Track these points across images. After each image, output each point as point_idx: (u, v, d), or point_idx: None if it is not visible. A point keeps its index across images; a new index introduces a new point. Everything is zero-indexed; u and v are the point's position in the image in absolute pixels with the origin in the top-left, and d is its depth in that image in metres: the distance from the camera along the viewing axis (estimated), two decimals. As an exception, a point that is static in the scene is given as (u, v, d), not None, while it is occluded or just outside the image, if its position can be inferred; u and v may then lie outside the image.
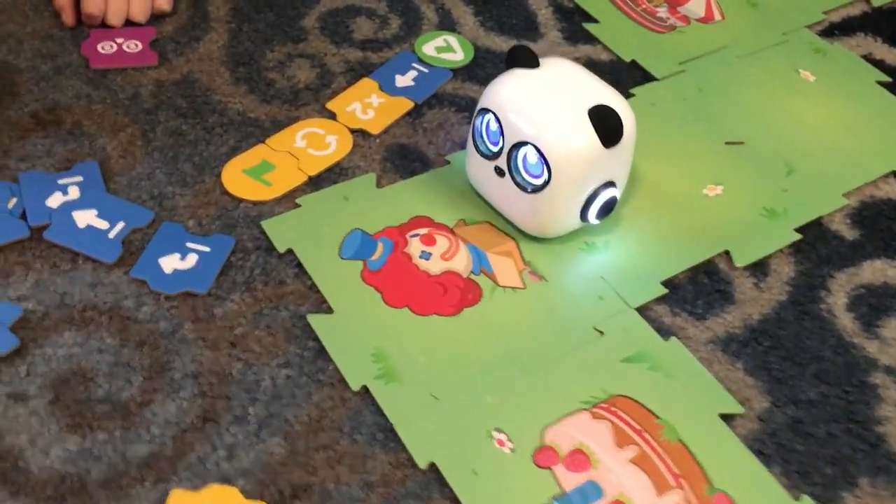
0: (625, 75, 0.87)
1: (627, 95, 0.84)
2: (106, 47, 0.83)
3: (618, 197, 0.69)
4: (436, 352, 0.63)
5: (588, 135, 0.65)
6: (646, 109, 0.83)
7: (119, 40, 0.84)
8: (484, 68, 0.86)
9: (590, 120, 0.65)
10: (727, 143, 0.80)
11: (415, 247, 0.70)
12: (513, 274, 0.68)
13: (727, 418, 0.61)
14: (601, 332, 0.65)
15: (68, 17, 0.85)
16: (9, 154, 0.74)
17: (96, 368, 0.61)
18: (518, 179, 0.68)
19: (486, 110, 0.69)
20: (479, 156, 0.70)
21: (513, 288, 0.68)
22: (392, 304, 0.66)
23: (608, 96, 0.68)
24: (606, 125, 0.65)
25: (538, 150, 0.65)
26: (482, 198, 0.72)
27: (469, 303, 0.66)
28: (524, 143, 0.66)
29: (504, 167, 0.68)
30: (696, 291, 0.69)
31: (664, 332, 0.66)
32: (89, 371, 0.61)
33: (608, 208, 0.69)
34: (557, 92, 0.67)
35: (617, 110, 0.65)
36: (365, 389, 0.61)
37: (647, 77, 0.87)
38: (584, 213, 0.68)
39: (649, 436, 0.59)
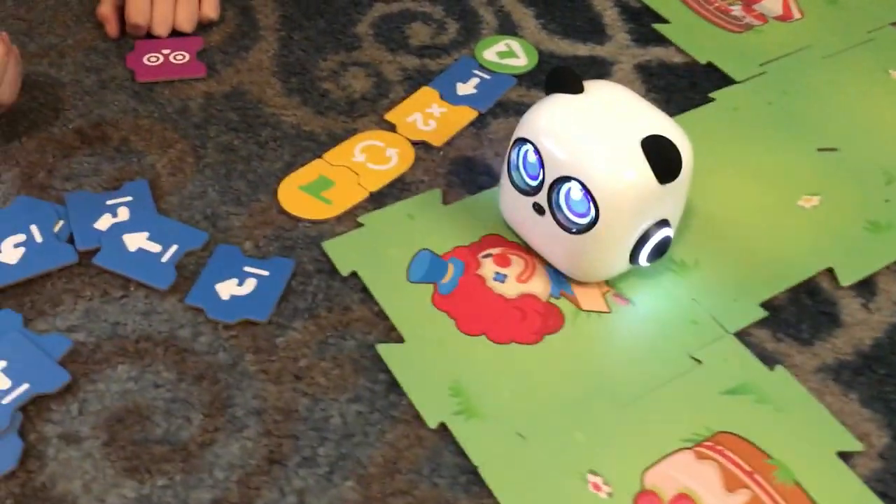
0: (701, 78, 0.81)
1: (706, 99, 0.79)
2: (152, 59, 0.79)
3: (672, 237, 0.62)
4: (518, 384, 0.58)
5: (640, 169, 0.58)
6: (728, 114, 0.77)
7: (165, 51, 0.80)
8: (550, 74, 0.81)
9: (643, 152, 0.58)
10: (819, 149, 0.74)
11: (488, 268, 0.64)
12: (596, 297, 0.63)
13: (845, 457, 0.55)
14: (698, 361, 0.59)
15: (112, 28, 0.81)
16: (53, 173, 0.70)
17: (153, 406, 0.56)
18: (560, 218, 0.61)
19: (523, 140, 0.62)
20: (514, 191, 0.63)
21: (597, 312, 0.62)
22: (467, 331, 0.61)
23: (663, 125, 0.60)
24: (662, 158, 0.58)
25: (583, 186, 0.58)
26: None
27: (550, 329, 0.61)
28: (567, 178, 0.59)
29: (544, 204, 0.61)
30: (799, 314, 0.63)
31: (768, 359, 0.60)
32: (146, 408, 0.56)
33: (661, 250, 0.62)
34: (605, 120, 0.60)
35: (674, 141, 0.58)
36: (443, 426, 0.56)
37: (725, 80, 0.81)
38: (634, 256, 0.61)
39: (761, 478, 0.53)
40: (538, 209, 0.62)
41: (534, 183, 0.62)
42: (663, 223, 0.60)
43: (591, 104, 0.61)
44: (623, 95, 0.62)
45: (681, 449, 0.55)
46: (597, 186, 0.58)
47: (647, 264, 0.62)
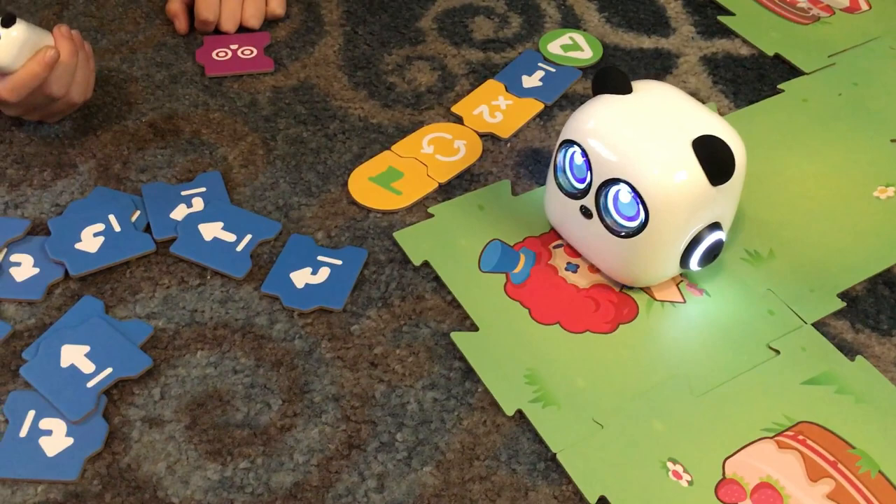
0: (769, 70, 0.80)
1: (775, 91, 0.78)
2: (221, 54, 0.80)
3: (724, 240, 0.60)
4: (594, 372, 0.58)
5: (692, 170, 0.56)
6: (798, 105, 0.76)
7: (234, 47, 0.81)
8: (615, 66, 0.81)
9: (694, 153, 0.56)
10: (893, 140, 0.73)
11: (560, 258, 0.64)
12: (670, 287, 0.62)
13: (931, 448, 0.54)
14: (776, 351, 0.59)
15: (181, 25, 0.83)
16: (129, 165, 0.71)
17: (233, 390, 0.57)
18: (608, 222, 0.59)
19: (570, 142, 0.60)
20: (561, 194, 0.62)
21: (671, 302, 0.62)
22: (541, 320, 0.61)
23: (714, 125, 0.58)
24: (714, 159, 0.56)
25: (633, 189, 0.57)
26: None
27: (625, 319, 0.61)
28: (616, 181, 0.58)
29: (591, 208, 0.60)
30: (877, 304, 0.62)
31: (847, 350, 0.59)
32: (226, 393, 0.57)
33: (713, 254, 0.60)
34: (654, 120, 0.58)
35: (726, 141, 0.56)
36: (520, 414, 0.56)
37: (793, 71, 0.80)
38: (684, 260, 0.60)
39: (845, 468, 0.53)
40: (585, 212, 0.60)
41: (581, 186, 0.61)
42: (715, 226, 0.59)
43: (639, 105, 0.60)
44: (672, 95, 0.61)
45: (762, 438, 0.54)
46: (647, 189, 0.56)
47: (699, 268, 0.61)
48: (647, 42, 0.83)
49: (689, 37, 0.84)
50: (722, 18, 0.85)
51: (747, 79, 0.80)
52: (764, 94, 0.78)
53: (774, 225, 0.66)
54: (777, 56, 0.81)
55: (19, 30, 0.65)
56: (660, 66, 0.81)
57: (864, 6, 0.87)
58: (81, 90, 0.70)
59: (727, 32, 0.84)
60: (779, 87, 0.78)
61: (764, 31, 0.84)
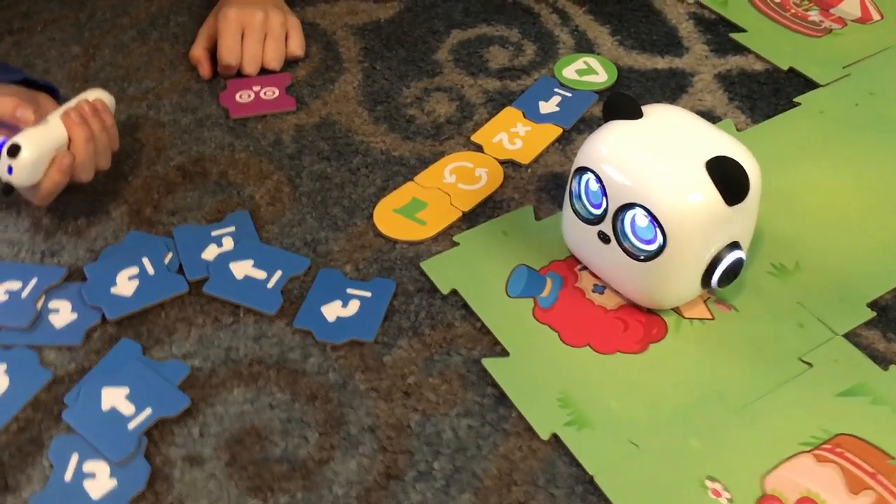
0: (784, 84, 0.81)
1: (791, 104, 0.78)
2: (244, 96, 0.82)
3: (744, 258, 0.60)
4: (627, 393, 0.58)
5: (707, 192, 0.56)
6: (815, 118, 0.76)
7: (256, 88, 0.83)
8: (630, 88, 0.82)
9: (708, 174, 0.56)
10: (913, 148, 0.73)
11: (586, 280, 0.65)
12: (698, 304, 0.63)
13: (972, 456, 0.54)
14: (809, 364, 0.59)
15: (205, 70, 0.85)
16: (159, 209, 0.73)
17: (270, 426, 0.58)
18: (626, 246, 0.60)
19: (584, 169, 0.61)
20: (578, 220, 0.62)
21: (700, 320, 0.62)
22: (571, 343, 0.61)
23: (727, 145, 0.59)
24: (729, 179, 0.56)
25: (648, 213, 0.57)
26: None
27: (654, 338, 0.61)
28: (632, 206, 0.58)
29: (609, 233, 0.60)
30: (908, 313, 0.62)
31: (880, 360, 0.59)
32: (263, 429, 0.58)
33: (734, 273, 0.60)
34: (667, 143, 0.59)
35: (739, 161, 0.57)
36: (555, 438, 0.56)
37: (808, 84, 0.81)
38: (705, 280, 0.60)
39: (885, 479, 0.52)
40: (603, 238, 0.61)
41: (597, 212, 0.61)
42: (734, 245, 0.59)
43: (651, 129, 0.60)
44: (683, 118, 0.61)
45: (800, 452, 0.54)
46: (662, 212, 0.57)
47: (719, 288, 0.61)
48: (661, 62, 0.84)
49: (703, 55, 0.85)
50: (734, 35, 0.86)
51: (763, 94, 0.80)
52: (781, 108, 0.78)
53: (799, 238, 0.66)
54: (791, 70, 0.82)
55: (28, 150, 0.65)
56: (675, 86, 0.82)
57: (876, 16, 0.87)
58: (105, 161, 0.71)
59: (740, 49, 0.85)
60: (795, 100, 0.79)
61: (777, 45, 0.84)
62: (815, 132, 0.75)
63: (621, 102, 0.61)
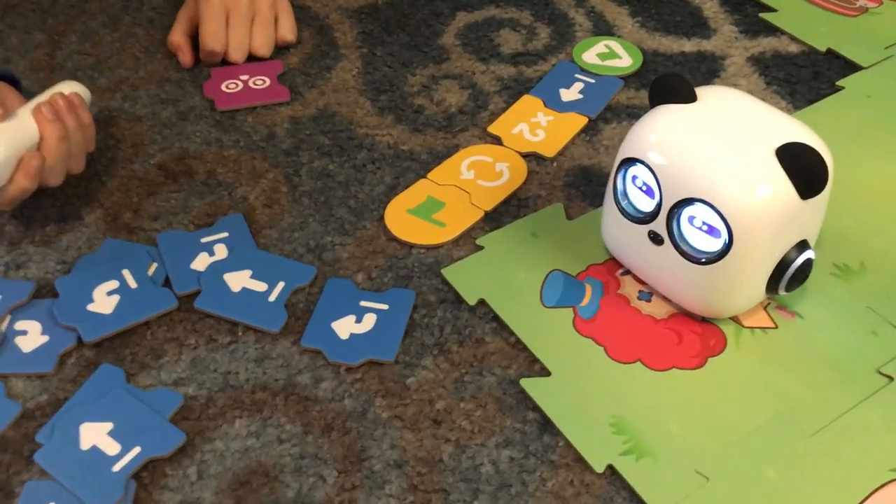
0: (823, 66, 0.75)
1: (834, 88, 0.72)
2: (231, 86, 0.74)
3: (814, 259, 0.54)
4: (688, 415, 0.51)
5: (779, 184, 0.50)
6: (862, 102, 0.70)
7: (244, 77, 0.75)
8: (658, 73, 0.75)
9: (780, 164, 0.50)
10: (973, 133, 0.68)
11: (630, 286, 0.58)
12: (758, 311, 0.56)
13: None
14: (889, 378, 0.52)
15: (185, 57, 0.76)
16: (139, 213, 0.65)
17: (280, 463, 0.50)
18: (684, 248, 0.53)
19: (632, 161, 0.54)
20: (623, 219, 0.55)
21: (762, 329, 0.55)
22: (620, 358, 0.54)
23: (796, 130, 0.52)
24: (805, 169, 0.49)
25: (713, 209, 0.50)
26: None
27: (713, 351, 0.54)
28: (692, 201, 0.51)
29: (663, 233, 0.53)
30: None
31: (968, 370, 0.53)
32: (272, 467, 0.50)
33: (803, 275, 0.54)
34: (728, 130, 0.52)
35: (814, 147, 0.50)
36: (611, 470, 0.49)
37: (849, 66, 0.74)
38: (772, 285, 0.53)
39: None
40: (655, 238, 0.54)
41: (648, 209, 0.54)
42: (803, 245, 0.53)
43: (708, 113, 0.53)
44: (743, 100, 0.55)
45: (892, 481, 0.47)
46: (729, 208, 0.50)
47: (786, 293, 0.54)
48: (688, 45, 0.77)
49: (733, 37, 0.78)
50: (764, 15, 0.80)
51: (802, 77, 0.74)
52: (823, 93, 0.72)
53: (860, 234, 0.60)
54: (830, 51, 0.76)
55: None
56: (706, 70, 0.75)
57: (913, -7, 0.82)
58: (77, 164, 0.63)
59: (772, 30, 0.79)
60: (837, 83, 0.72)
61: (811, 25, 0.78)
62: (864, 118, 0.69)
63: (672, 84, 0.54)
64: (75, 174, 0.63)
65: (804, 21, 0.79)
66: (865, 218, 0.61)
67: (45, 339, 0.56)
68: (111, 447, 0.50)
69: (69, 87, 0.64)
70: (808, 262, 0.53)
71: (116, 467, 0.49)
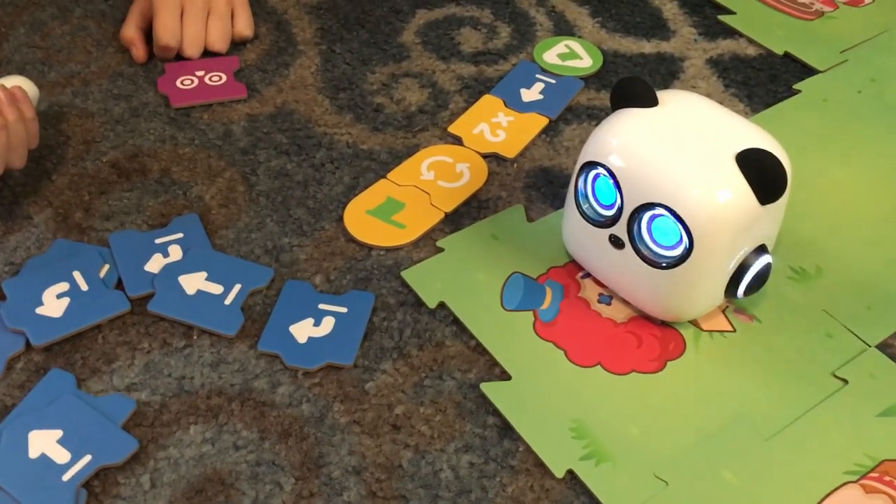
0: (781, 70, 0.75)
1: (791, 92, 0.73)
2: (186, 82, 0.72)
3: (772, 263, 0.54)
4: (647, 419, 0.51)
5: (736, 189, 0.50)
6: (818, 106, 0.71)
7: (199, 73, 0.73)
8: (618, 74, 0.75)
9: (740, 169, 0.50)
10: (924, 138, 0.69)
11: (590, 290, 0.58)
12: (716, 315, 0.56)
13: None
14: (844, 381, 0.53)
15: (139, 52, 0.74)
16: (91, 212, 0.63)
17: (236, 471, 0.49)
18: (645, 252, 0.53)
19: (593, 164, 0.54)
20: (584, 222, 0.55)
21: (720, 332, 0.55)
22: (580, 362, 0.54)
23: (756, 137, 0.52)
24: (765, 175, 0.50)
25: (672, 213, 0.50)
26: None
27: (672, 355, 0.54)
28: (652, 205, 0.51)
29: (623, 237, 0.53)
30: (941, 320, 0.57)
31: (919, 373, 0.54)
32: (228, 475, 0.49)
33: (762, 280, 0.54)
34: (689, 135, 0.52)
35: (773, 153, 0.50)
36: (571, 474, 0.49)
37: (805, 70, 0.75)
38: (730, 288, 0.54)
39: (942, 511, 0.47)
40: (616, 242, 0.54)
41: (609, 213, 0.54)
42: (762, 249, 0.53)
43: (669, 118, 0.53)
44: (703, 105, 0.55)
45: (846, 483, 0.48)
46: (690, 212, 0.50)
47: (744, 297, 0.54)
48: (648, 46, 0.78)
49: (692, 39, 0.79)
50: (722, 18, 0.80)
51: (759, 80, 0.74)
52: (780, 96, 0.73)
53: (817, 238, 0.61)
54: (787, 54, 0.76)
55: None
56: (665, 72, 0.75)
57: (867, -2, 0.83)
58: (18, 159, 0.61)
59: (730, 32, 0.79)
60: (794, 87, 0.73)
61: (768, 28, 0.79)
62: (820, 122, 0.70)
63: (634, 87, 0.53)
64: (16, 169, 0.61)
65: (762, 24, 0.79)
66: (822, 222, 0.62)
67: (-9, 343, 0.54)
68: (61, 455, 0.49)
69: (13, 81, 0.62)
70: (767, 267, 0.54)
71: (66, 476, 0.48)
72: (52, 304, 0.56)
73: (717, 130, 0.52)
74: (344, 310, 0.57)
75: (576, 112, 0.71)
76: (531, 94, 0.72)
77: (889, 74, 0.74)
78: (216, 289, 0.57)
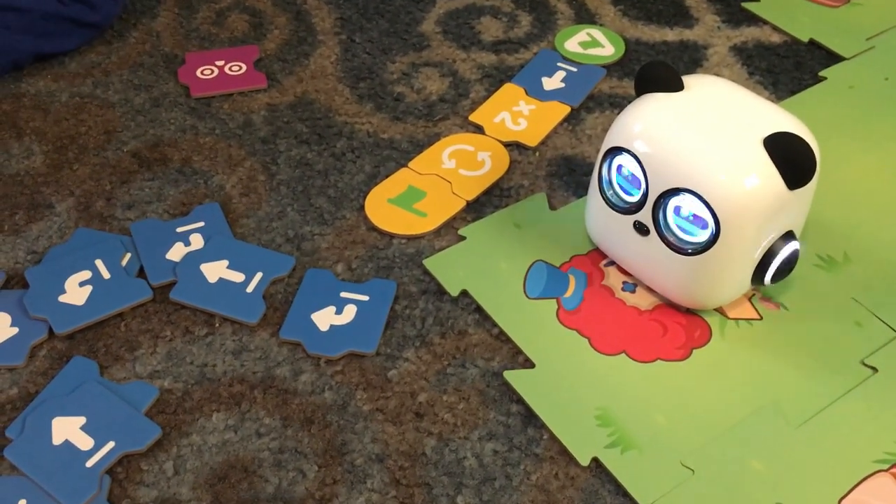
0: (806, 57, 0.74)
1: (816, 79, 0.72)
2: (206, 72, 0.72)
3: (799, 250, 0.53)
4: (673, 407, 0.50)
5: (764, 174, 0.49)
6: (844, 93, 0.70)
7: (220, 63, 0.73)
8: (640, 62, 0.74)
9: (768, 154, 0.49)
10: (954, 125, 0.68)
11: (614, 277, 0.57)
12: (742, 303, 0.56)
13: None
14: (873, 369, 0.52)
15: None
16: (112, 202, 0.63)
17: (259, 458, 0.49)
18: (670, 238, 0.52)
19: (617, 150, 0.53)
20: (608, 209, 0.55)
21: (747, 320, 0.55)
22: (604, 350, 0.53)
23: (783, 121, 0.51)
24: (793, 159, 0.49)
25: (700, 199, 0.49)
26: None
27: (698, 343, 0.54)
28: (678, 191, 0.50)
29: (648, 223, 0.52)
30: (973, 308, 0.56)
31: (950, 362, 0.53)
32: (251, 462, 0.49)
33: (789, 266, 0.53)
34: (715, 120, 0.51)
35: (802, 137, 0.50)
36: (596, 462, 0.49)
37: (831, 57, 0.74)
38: (757, 275, 0.53)
39: (976, 500, 0.46)
40: (640, 229, 0.53)
41: (634, 199, 0.53)
42: (789, 235, 0.52)
43: (694, 102, 0.52)
44: (730, 90, 0.54)
45: (877, 472, 0.47)
46: (717, 197, 0.49)
47: (772, 284, 0.54)
48: (671, 34, 0.77)
49: (715, 26, 0.78)
50: (746, 5, 0.79)
51: (784, 67, 0.73)
52: (805, 84, 0.72)
53: (844, 225, 0.60)
54: (812, 42, 0.75)
55: None
56: (688, 59, 0.74)
57: (893, -15, 0.82)
58: None
59: (754, 19, 0.78)
60: (820, 74, 0.72)
61: (793, 15, 0.78)
62: (846, 109, 0.69)
63: (659, 72, 0.53)
64: None
65: (786, 11, 0.78)
66: (849, 209, 0.61)
67: (15, 330, 0.54)
68: (84, 442, 0.49)
69: None
70: (795, 253, 0.53)
71: (90, 462, 0.48)
72: (75, 292, 0.56)
73: (744, 115, 0.52)
74: (366, 298, 0.56)
75: (598, 100, 0.71)
76: (553, 82, 0.72)
77: (917, 61, 0.73)
78: (238, 277, 0.57)
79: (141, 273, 0.58)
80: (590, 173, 0.64)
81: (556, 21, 0.79)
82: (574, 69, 0.73)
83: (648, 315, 0.55)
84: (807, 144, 0.49)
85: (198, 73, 0.72)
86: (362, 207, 0.62)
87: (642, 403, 0.50)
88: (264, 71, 0.73)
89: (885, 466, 0.47)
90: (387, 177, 0.64)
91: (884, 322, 0.54)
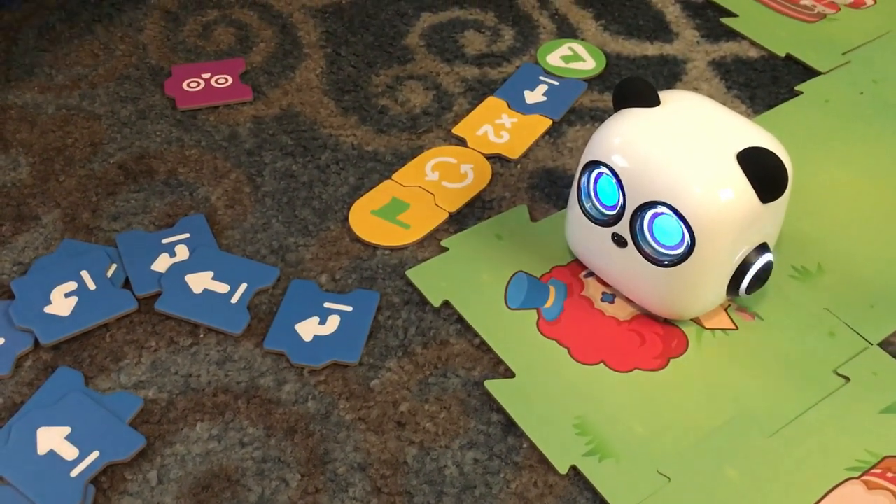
0: (783, 71, 0.76)
1: (793, 93, 0.73)
2: (192, 84, 0.73)
3: (773, 262, 0.54)
4: (650, 416, 0.51)
5: (738, 187, 0.50)
6: (820, 107, 0.71)
7: (206, 76, 0.74)
8: (621, 76, 0.75)
9: (741, 168, 0.50)
10: (926, 139, 0.69)
11: (593, 288, 0.58)
12: (719, 313, 0.57)
13: None
14: (846, 378, 0.53)
15: None
16: (99, 213, 0.63)
17: (242, 467, 0.50)
18: (647, 250, 0.53)
19: (596, 163, 0.54)
20: (587, 221, 0.56)
21: (723, 330, 0.56)
22: (583, 360, 0.54)
23: (757, 136, 0.53)
24: (766, 173, 0.50)
25: (675, 212, 0.51)
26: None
27: (675, 352, 0.55)
28: (654, 204, 0.52)
29: (626, 235, 0.54)
30: (943, 318, 0.57)
31: (921, 371, 0.54)
32: (234, 471, 0.49)
33: (763, 278, 0.54)
34: (690, 134, 0.52)
35: (774, 152, 0.51)
36: (574, 471, 0.49)
37: (807, 72, 0.76)
38: (732, 287, 0.54)
39: (944, 507, 0.47)
40: (618, 241, 0.54)
41: (611, 212, 0.54)
42: (763, 247, 0.53)
43: (671, 118, 0.54)
44: (705, 105, 0.55)
45: (848, 479, 0.48)
46: (692, 210, 0.50)
47: (747, 295, 0.55)
48: (651, 49, 0.78)
49: (694, 41, 0.79)
50: (725, 20, 0.81)
51: (762, 82, 0.75)
52: (782, 98, 0.73)
53: (818, 237, 0.61)
54: (789, 56, 0.77)
55: None
56: (668, 74, 0.76)
57: (870, 1, 0.83)
58: None
59: (732, 35, 0.80)
60: (796, 88, 0.74)
61: (771, 31, 0.79)
62: (822, 123, 0.70)
63: (636, 88, 0.54)
64: None
65: (764, 26, 0.80)
66: (823, 221, 0.63)
67: (1, 341, 0.55)
68: (69, 452, 0.49)
69: None
70: (768, 265, 0.54)
71: (74, 472, 0.48)
72: (61, 302, 0.57)
73: (719, 130, 0.53)
74: (349, 308, 0.57)
75: (579, 114, 0.72)
76: (535, 95, 0.73)
77: (891, 76, 0.74)
78: (222, 288, 0.58)
79: (126, 284, 0.58)
80: (570, 186, 0.65)
81: (539, 35, 0.80)
82: (556, 83, 0.74)
83: (627, 325, 0.56)
84: (778, 159, 0.50)
85: (184, 85, 0.73)
86: (346, 219, 0.63)
87: (620, 412, 0.51)
88: (250, 83, 0.74)
89: (857, 474, 0.48)
90: (371, 189, 0.65)
91: (856, 332, 0.55)
